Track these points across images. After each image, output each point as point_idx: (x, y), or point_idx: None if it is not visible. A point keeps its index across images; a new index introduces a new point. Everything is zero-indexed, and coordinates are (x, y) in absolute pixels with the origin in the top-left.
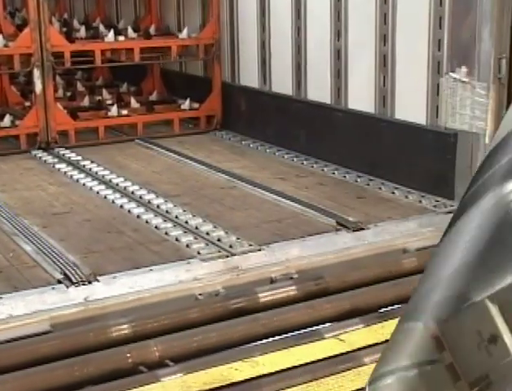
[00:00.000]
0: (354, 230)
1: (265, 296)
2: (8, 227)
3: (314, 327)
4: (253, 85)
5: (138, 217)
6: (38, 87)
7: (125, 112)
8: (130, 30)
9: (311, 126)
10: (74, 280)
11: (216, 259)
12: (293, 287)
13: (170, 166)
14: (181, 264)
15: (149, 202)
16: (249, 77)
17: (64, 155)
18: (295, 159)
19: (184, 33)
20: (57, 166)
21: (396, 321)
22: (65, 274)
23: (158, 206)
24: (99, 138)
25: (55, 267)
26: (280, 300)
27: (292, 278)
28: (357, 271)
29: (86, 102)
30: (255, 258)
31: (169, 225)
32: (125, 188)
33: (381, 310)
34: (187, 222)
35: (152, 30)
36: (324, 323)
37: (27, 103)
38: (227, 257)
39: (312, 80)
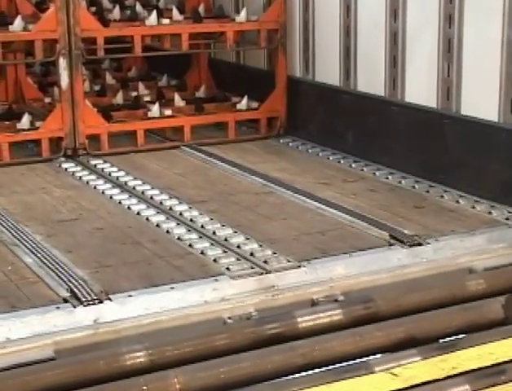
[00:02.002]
0: (410, 246)
1: (305, 321)
2: (7, 236)
3: (362, 359)
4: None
5: (157, 226)
6: (64, 81)
7: (168, 111)
8: (175, 11)
9: (360, 122)
10: (82, 299)
11: (248, 277)
12: (338, 311)
13: (196, 167)
14: (207, 282)
15: (171, 209)
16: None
17: (96, 165)
18: (342, 161)
19: (242, 16)
20: (70, 169)
21: (461, 353)
22: (72, 292)
23: (181, 214)
24: (137, 144)
25: (61, 283)
26: (322, 325)
27: (336, 300)
28: (413, 294)
29: (119, 98)
30: (294, 276)
31: (194, 236)
32: (142, 192)
33: (442, 341)
34: (214, 233)
35: (201, 11)
36: (373, 354)
37: (47, 99)
38: (261, 274)
39: (363, 68)
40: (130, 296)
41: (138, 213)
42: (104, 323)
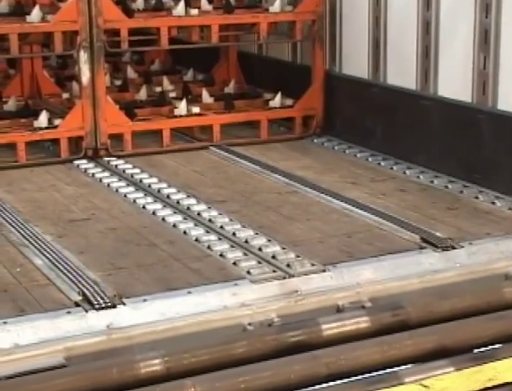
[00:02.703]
0: (443, 249)
1: (329, 329)
2: (15, 236)
3: (390, 369)
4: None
5: (174, 226)
6: (85, 75)
7: (196, 109)
8: (203, 1)
9: (390, 118)
10: (95, 303)
11: (270, 281)
12: (365, 319)
13: (215, 165)
14: (226, 286)
15: (188, 208)
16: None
17: (116, 166)
18: (370, 158)
19: (276, 6)
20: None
21: (497, 364)
22: (84, 296)
23: (199, 214)
24: (163, 144)
25: (72, 286)
26: (348, 333)
27: (364, 306)
28: (446, 301)
29: (142, 94)
30: (318, 281)
31: (213, 237)
32: (158, 191)
33: (477, 351)
34: (234, 234)
35: (231, 0)
36: (403, 365)
37: (65, 95)
38: (284, 278)
39: (393, 60)
40: (145, 300)
41: (153, 213)
42: (118, 329)
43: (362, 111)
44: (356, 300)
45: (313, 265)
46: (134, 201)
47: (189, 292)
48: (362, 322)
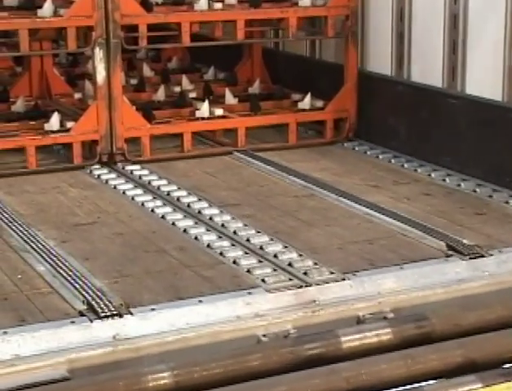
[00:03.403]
0: (470, 257)
1: (349, 341)
2: (17, 241)
3: (414, 385)
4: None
5: (184, 231)
6: (101, 74)
7: (219, 111)
8: None
9: (414, 117)
10: (100, 312)
11: (286, 290)
12: (387, 331)
13: (228, 166)
14: (239, 295)
15: (199, 212)
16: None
17: (132, 172)
18: (393, 160)
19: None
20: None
21: None
22: (89, 305)
23: (211, 218)
24: (183, 149)
25: (76, 295)
26: (368, 346)
27: (385, 318)
28: (473, 312)
29: (160, 94)
30: (337, 290)
31: (226, 243)
32: (168, 193)
33: (506, 366)
34: (248, 240)
35: None
36: (427, 380)
37: (77, 95)
38: (301, 287)
39: (418, 55)
40: (154, 309)
41: (163, 217)
42: (124, 340)
43: (385, 109)
44: (378, 311)
45: (332, 273)
46: (143, 204)
47: (200, 301)
48: (384, 335)
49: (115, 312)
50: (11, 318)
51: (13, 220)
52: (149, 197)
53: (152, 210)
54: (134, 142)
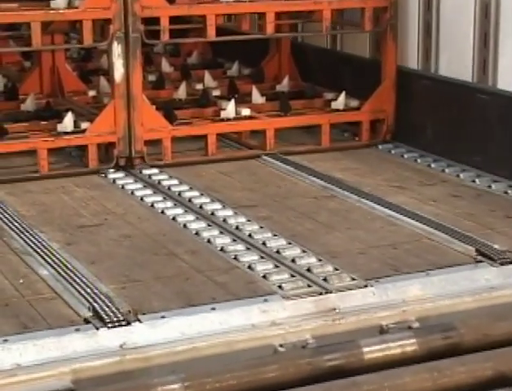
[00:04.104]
0: (501, 263)
1: (371, 352)
2: (18, 244)
3: None
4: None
5: (196, 234)
6: (119, 71)
7: (246, 111)
8: None
9: (442, 114)
10: (107, 320)
11: (304, 297)
12: (412, 341)
13: (243, 165)
14: (255, 302)
15: (213, 214)
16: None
17: (150, 177)
18: (419, 160)
19: None
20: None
21: None
22: (95, 311)
23: (225, 220)
24: (207, 152)
25: (81, 301)
26: (392, 357)
27: (410, 327)
28: (504, 322)
29: (182, 92)
30: (359, 298)
31: (240, 246)
32: (179, 194)
33: None
34: (264, 244)
35: None
36: None
37: (91, 92)
38: (320, 294)
39: (446, 47)
40: (163, 317)
41: (173, 219)
42: (132, 349)
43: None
44: (402, 320)
45: (353, 279)
46: (152, 205)
47: (213, 309)
48: (408, 346)
49: (122, 319)
50: (11, 325)
51: (15, 221)
52: (159, 198)
53: (163, 211)
54: (152, 145)
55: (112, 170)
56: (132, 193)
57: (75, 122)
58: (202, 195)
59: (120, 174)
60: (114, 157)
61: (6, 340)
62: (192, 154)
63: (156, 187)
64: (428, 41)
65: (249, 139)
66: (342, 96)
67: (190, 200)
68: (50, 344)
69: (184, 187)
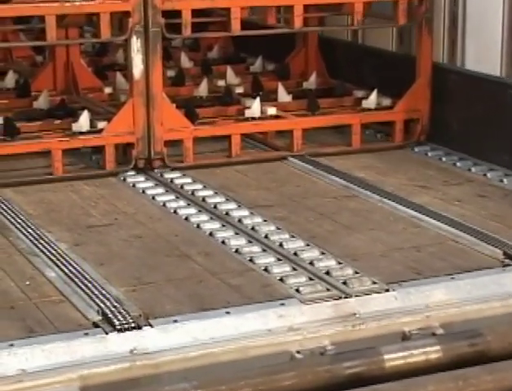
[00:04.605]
0: None
1: (393, 359)
2: (25, 244)
3: None
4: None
5: (210, 234)
6: (138, 67)
7: (272, 110)
8: None
9: (468, 110)
10: (117, 324)
11: (323, 301)
12: (436, 348)
13: (259, 163)
14: (271, 306)
15: (227, 214)
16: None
17: (172, 180)
18: (444, 158)
19: None
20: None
21: None
22: (104, 315)
23: (240, 220)
24: (231, 153)
25: (90, 304)
26: (415, 365)
27: (434, 334)
28: None
29: (203, 89)
30: (381, 302)
31: (256, 248)
32: (193, 193)
33: None
34: (281, 245)
35: None
36: None
37: (107, 89)
38: (340, 298)
39: (472, 40)
40: (176, 321)
41: (186, 219)
42: (143, 354)
43: (437, 102)
44: (425, 326)
45: (374, 283)
46: (164, 204)
47: (227, 313)
48: (432, 353)
49: (133, 323)
50: (18, 329)
51: (21, 220)
52: (171, 197)
53: (175, 211)
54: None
55: (131, 173)
56: (143, 192)
57: (91, 121)
58: (216, 193)
59: (140, 178)
60: (132, 159)
61: (11, 345)
62: (214, 155)
63: (169, 186)
64: (454, 32)
65: (275, 140)
66: (374, 94)
67: (204, 199)
68: (57, 349)
69: (198, 186)
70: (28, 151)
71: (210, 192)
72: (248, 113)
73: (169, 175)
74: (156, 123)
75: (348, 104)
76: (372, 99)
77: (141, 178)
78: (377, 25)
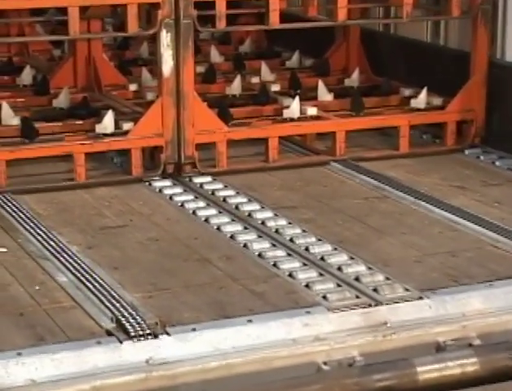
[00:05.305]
0: None
1: (427, 372)
2: (35, 247)
3: None
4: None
5: (231, 237)
6: (167, 64)
7: (312, 110)
8: None
9: (508, 104)
10: (132, 332)
11: (351, 309)
12: (473, 360)
13: (298, 169)
14: (296, 314)
15: (250, 215)
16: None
17: (201, 186)
18: (482, 156)
19: None
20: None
21: None
22: (118, 322)
23: (263, 223)
24: (267, 158)
25: (104, 311)
26: (450, 378)
27: (471, 345)
28: None
29: (236, 87)
30: (413, 311)
31: (280, 252)
32: (213, 193)
33: None
34: (307, 250)
35: None
36: None
37: (132, 86)
38: (370, 306)
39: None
40: (194, 329)
41: (206, 220)
42: (159, 365)
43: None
44: (462, 337)
45: (407, 290)
46: (182, 205)
47: (249, 321)
48: (468, 365)
49: (149, 332)
50: (26, 337)
51: (30, 221)
52: (190, 197)
53: (194, 212)
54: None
55: (157, 178)
56: (160, 191)
57: (116, 122)
58: (238, 193)
59: (168, 183)
60: (161, 164)
61: (20, 354)
62: (249, 160)
63: (187, 185)
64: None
65: (315, 142)
66: (424, 93)
67: (224, 200)
68: (68, 359)
69: (218, 185)
70: (48, 155)
71: (231, 192)
72: (286, 113)
73: (201, 180)
74: (187, 124)
75: (395, 104)
76: (421, 98)
77: (178, 189)
78: (428, 18)
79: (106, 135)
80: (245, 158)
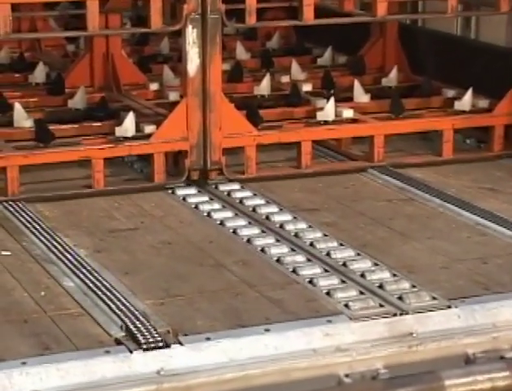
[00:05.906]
0: None
1: (455, 386)
2: (40, 250)
3: None
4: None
5: (248, 241)
6: (193, 62)
7: (348, 112)
8: None
9: None
10: (142, 341)
11: (375, 318)
12: (505, 374)
13: (334, 176)
14: (316, 323)
15: (267, 218)
16: None
17: (229, 194)
18: None
19: None
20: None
21: None
22: (128, 331)
23: (282, 226)
24: (300, 164)
25: (113, 318)
26: None
27: (503, 357)
28: None
29: (264, 87)
30: (441, 321)
31: (300, 257)
32: (228, 194)
33: None
34: (328, 255)
35: None
36: None
37: (153, 86)
38: (395, 315)
39: None
40: (208, 339)
41: (221, 223)
42: (171, 376)
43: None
44: (492, 349)
45: (434, 299)
46: (196, 207)
47: (267, 330)
48: (500, 379)
49: (160, 341)
50: (31, 346)
51: (36, 223)
52: (205, 198)
53: (208, 214)
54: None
55: (182, 184)
56: (173, 192)
57: (136, 125)
58: (255, 195)
59: (193, 191)
60: (185, 169)
61: (24, 363)
62: (280, 166)
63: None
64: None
65: (350, 147)
66: (469, 94)
67: (241, 202)
68: (75, 369)
69: (234, 186)
70: (64, 161)
71: (248, 193)
72: (320, 116)
73: (228, 188)
74: (214, 127)
75: (437, 106)
76: (466, 100)
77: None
78: (474, 13)
79: (126, 139)
80: (276, 163)
